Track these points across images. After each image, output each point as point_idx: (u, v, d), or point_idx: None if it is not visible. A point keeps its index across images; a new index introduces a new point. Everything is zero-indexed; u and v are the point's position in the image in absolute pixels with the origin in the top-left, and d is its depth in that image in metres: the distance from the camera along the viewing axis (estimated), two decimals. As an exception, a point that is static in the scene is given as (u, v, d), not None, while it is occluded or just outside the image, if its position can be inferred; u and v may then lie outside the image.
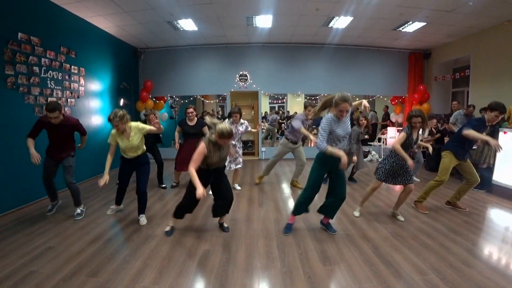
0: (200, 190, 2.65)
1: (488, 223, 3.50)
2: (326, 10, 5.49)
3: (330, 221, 3.25)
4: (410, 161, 3.20)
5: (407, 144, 3.34)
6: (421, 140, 3.78)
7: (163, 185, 5.16)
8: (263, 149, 8.45)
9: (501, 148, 3.33)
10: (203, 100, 10.50)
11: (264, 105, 11.99)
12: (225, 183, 3.10)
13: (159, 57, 8.10)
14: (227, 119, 4.74)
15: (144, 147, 3.52)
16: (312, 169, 3.00)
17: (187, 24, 6.20)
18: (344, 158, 2.66)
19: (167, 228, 3.22)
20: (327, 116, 2.77)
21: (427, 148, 3.85)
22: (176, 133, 5.03)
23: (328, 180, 3.08)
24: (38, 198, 4.34)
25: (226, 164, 4.41)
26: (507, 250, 2.79)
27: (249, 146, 8.90)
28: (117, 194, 3.78)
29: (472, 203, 4.14)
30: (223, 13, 5.67)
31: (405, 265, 2.45)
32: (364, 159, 7.90)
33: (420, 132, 3.43)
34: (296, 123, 4.54)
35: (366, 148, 8.14)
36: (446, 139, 6.65)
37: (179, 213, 3.16)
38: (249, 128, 4.82)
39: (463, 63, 7.38)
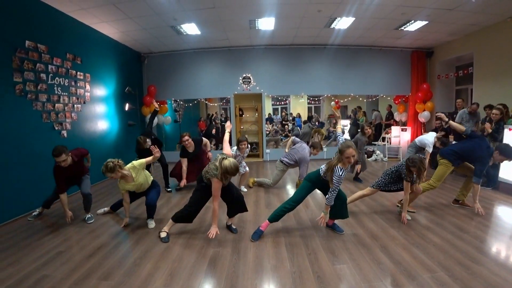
0: (215, 229, 2.98)
1: (495, 220, 3.50)
2: (328, 11, 5.52)
3: (336, 221, 3.27)
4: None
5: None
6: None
7: (169, 189, 5.20)
8: (268, 151, 8.47)
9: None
10: (206, 103, 10.57)
11: (267, 107, 12.03)
12: (232, 186, 3.20)
13: (162, 62, 8.17)
14: (234, 147, 4.71)
15: (151, 178, 3.63)
16: (301, 187, 3.12)
17: (190, 28, 6.26)
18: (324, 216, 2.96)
19: (163, 235, 3.15)
20: (339, 171, 2.72)
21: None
22: (184, 167, 4.86)
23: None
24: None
25: None
26: (516, 247, 2.79)
27: (253, 148, 8.93)
28: (117, 202, 3.97)
29: (479, 201, 4.12)
30: (225, 17, 5.72)
31: (414, 263, 2.47)
32: (369, 159, 7.93)
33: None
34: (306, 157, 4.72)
35: (370, 148, 8.14)
36: (451, 137, 6.64)
37: (178, 220, 3.21)
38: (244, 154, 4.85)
39: (466, 61, 7.36)
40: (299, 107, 12.24)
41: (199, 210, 3.17)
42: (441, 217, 3.53)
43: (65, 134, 4.91)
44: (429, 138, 4.91)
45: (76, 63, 5.26)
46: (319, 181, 3.04)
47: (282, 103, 13.00)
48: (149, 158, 3.49)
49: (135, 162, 3.43)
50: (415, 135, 8.41)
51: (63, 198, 3.56)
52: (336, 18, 5.89)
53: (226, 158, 2.84)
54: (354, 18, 5.86)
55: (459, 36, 6.95)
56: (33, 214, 3.95)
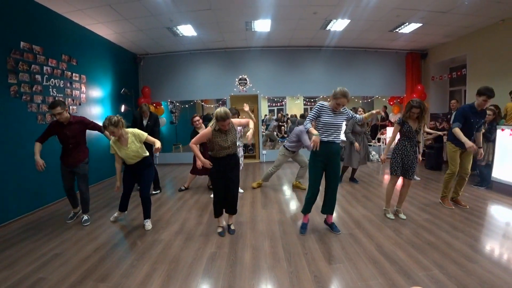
0: (201, 160, 3.00)
1: (489, 219, 3.55)
2: (324, 13, 5.57)
3: (334, 220, 3.31)
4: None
5: (407, 133, 3.39)
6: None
7: (155, 191, 5.08)
8: (264, 152, 8.49)
9: (477, 150, 3.62)
10: (202, 105, 10.56)
11: (264, 108, 12.06)
12: (235, 179, 3.14)
13: (158, 63, 8.17)
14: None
15: (147, 152, 3.47)
16: (309, 167, 3.16)
17: (187, 30, 6.27)
18: (316, 138, 2.85)
19: (219, 230, 3.27)
20: (321, 102, 3.03)
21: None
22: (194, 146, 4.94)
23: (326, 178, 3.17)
24: (43, 205, 4.38)
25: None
26: (509, 245, 2.83)
27: (250, 149, 8.94)
28: (120, 200, 3.68)
29: (472, 200, 4.19)
30: (222, 18, 5.74)
31: (409, 262, 2.50)
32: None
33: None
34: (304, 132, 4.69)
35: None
36: (445, 138, 6.72)
37: (217, 211, 3.25)
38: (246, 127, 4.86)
39: (459, 62, 7.47)
40: (295, 108, 12.28)
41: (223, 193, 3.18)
42: (436, 216, 3.58)
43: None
44: None
45: (72, 64, 5.24)
46: (319, 154, 2.99)
47: (279, 104, 13.05)
48: (152, 138, 3.37)
49: (137, 130, 3.34)
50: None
51: (37, 145, 3.39)
52: (331, 20, 5.94)
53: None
54: (349, 20, 5.92)
55: (453, 38, 7.05)
56: (69, 216, 3.84)
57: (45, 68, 4.58)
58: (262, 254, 2.75)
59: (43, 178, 3.77)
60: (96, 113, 6.07)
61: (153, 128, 5.00)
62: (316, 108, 3.03)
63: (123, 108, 7.01)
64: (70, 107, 5.18)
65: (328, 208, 3.23)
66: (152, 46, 7.40)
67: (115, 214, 3.80)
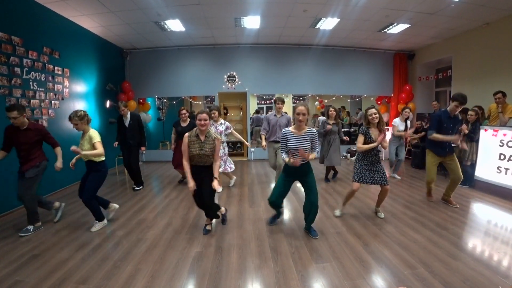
0: (190, 183, 2.93)
1: (472, 217, 3.63)
2: (314, 11, 5.55)
3: (321, 219, 3.33)
4: (386, 144, 3.33)
5: (370, 143, 3.34)
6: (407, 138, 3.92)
7: (138, 188, 5.12)
8: (252, 149, 8.45)
9: (462, 142, 3.79)
10: (191, 101, 10.42)
11: (253, 106, 11.99)
12: (208, 190, 3.00)
13: (146, 58, 7.98)
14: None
15: (101, 158, 3.35)
16: (279, 178, 3.15)
17: (175, 25, 6.14)
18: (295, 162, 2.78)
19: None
20: (285, 129, 2.98)
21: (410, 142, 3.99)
22: (173, 135, 5.17)
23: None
24: (20, 205, 4.19)
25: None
26: (490, 242, 2.90)
27: (238, 147, 8.88)
28: (101, 200, 3.64)
29: (457, 198, 4.27)
30: (211, 14, 5.64)
31: (395, 260, 2.51)
32: (352, 158, 8.07)
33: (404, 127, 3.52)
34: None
35: (354, 148, 8.27)
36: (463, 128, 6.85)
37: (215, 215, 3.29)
38: (231, 130, 4.86)
39: (445, 64, 7.62)
40: (284, 106, 12.27)
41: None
42: (421, 215, 3.63)
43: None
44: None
45: (54, 57, 5.04)
46: (289, 169, 2.96)
47: (267, 102, 13.01)
48: (96, 148, 3.21)
49: (96, 134, 3.29)
50: (396, 135, 8.64)
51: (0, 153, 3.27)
52: (321, 19, 5.94)
53: None
54: (339, 19, 5.93)
55: (439, 39, 7.18)
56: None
57: (25, 60, 4.38)
58: (249, 254, 2.72)
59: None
60: (80, 108, 5.84)
61: (140, 126, 5.02)
62: (282, 136, 2.96)
63: (108, 103, 6.82)
64: (52, 102, 4.98)
65: (309, 222, 3.10)
66: (139, 41, 7.22)
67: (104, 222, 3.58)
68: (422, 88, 8.33)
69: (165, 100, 9.54)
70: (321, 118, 6.58)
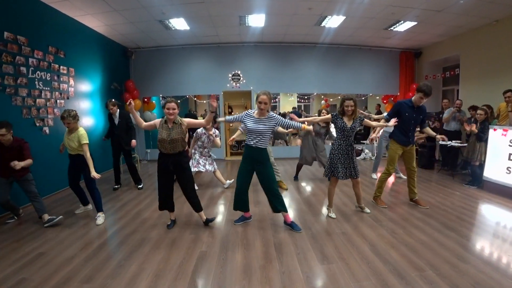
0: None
1: (480, 218, 3.56)
2: (319, 9, 5.49)
3: (293, 219, 3.38)
4: (310, 128, 3.34)
5: (342, 130, 3.37)
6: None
7: (140, 186, 5.24)
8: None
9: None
10: (195, 100, 10.42)
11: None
12: (185, 181, 3.20)
13: (150, 57, 7.99)
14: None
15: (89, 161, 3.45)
16: (239, 168, 3.31)
17: (179, 24, 6.13)
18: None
19: (168, 222, 3.43)
20: (247, 111, 3.24)
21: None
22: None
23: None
24: (27, 203, 4.21)
25: (199, 165, 4.75)
26: (499, 244, 2.84)
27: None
28: (74, 193, 3.85)
29: (464, 199, 4.21)
30: (215, 12, 5.62)
31: (402, 262, 2.47)
32: (357, 157, 8.00)
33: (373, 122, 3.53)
34: None
35: (359, 147, 8.21)
36: (438, 137, 6.76)
37: (160, 205, 3.33)
38: (217, 132, 4.85)
39: (453, 62, 7.50)
40: (288, 105, 12.21)
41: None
42: (429, 216, 3.57)
43: (47, 131, 4.72)
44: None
45: (59, 56, 5.06)
46: (247, 155, 3.23)
47: (273, 101, 12.95)
48: (86, 150, 3.42)
49: (84, 134, 3.45)
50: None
51: None
52: (326, 17, 5.88)
53: None
54: (344, 17, 5.86)
55: (446, 37, 7.07)
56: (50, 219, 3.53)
57: (30, 60, 4.40)
58: (254, 254, 2.69)
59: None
60: (85, 107, 5.91)
61: (128, 125, 5.06)
62: (241, 115, 3.26)
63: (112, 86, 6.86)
64: (58, 101, 5.01)
65: (273, 207, 3.25)
66: (144, 40, 7.23)
67: (80, 207, 3.90)
68: (429, 87, 8.21)
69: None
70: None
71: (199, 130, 4.64)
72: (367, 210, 3.69)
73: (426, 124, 3.90)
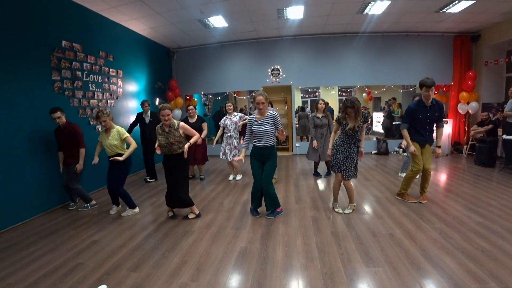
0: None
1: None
2: (361, -5, 5.17)
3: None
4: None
5: (345, 131, 3.33)
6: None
7: (151, 180, 5.59)
8: (298, 144, 8.30)
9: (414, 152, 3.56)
10: (235, 97, 10.55)
11: (297, 99, 11.73)
12: (176, 177, 3.40)
13: (191, 56, 8.25)
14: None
15: (123, 151, 3.70)
16: (252, 164, 3.48)
17: (218, 21, 6.21)
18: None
19: (169, 214, 3.68)
20: (250, 116, 3.44)
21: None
22: None
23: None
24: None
25: (222, 155, 5.19)
26: None
27: (283, 142, 8.81)
28: (110, 195, 3.95)
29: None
30: (253, 7, 5.58)
31: (459, 271, 2.22)
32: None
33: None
34: None
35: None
36: (500, 130, 6.02)
37: (166, 201, 3.61)
38: (244, 118, 5.11)
39: (519, 44, 6.59)
40: (329, 99, 11.78)
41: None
42: (489, 219, 3.18)
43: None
44: None
45: (109, 60, 5.44)
46: (253, 152, 3.46)
47: (312, 95, 12.62)
48: (131, 140, 3.70)
49: (122, 129, 3.71)
50: (456, 128, 7.76)
51: (59, 155, 3.98)
52: (369, 3, 5.51)
53: None
54: (389, 1, 5.44)
55: (511, 16, 6.20)
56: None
57: (84, 64, 4.79)
58: (295, 252, 2.63)
59: (88, 168, 4.04)
60: (132, 106, 6.30)
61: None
62: (248, 122, 3.44)
63: (157, 101, 7.20)
64: (108, 101, 5.41)
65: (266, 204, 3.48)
66: (184, 39, 7.47)
67: (113, 207, 3.97)
68: (489, 74, 7.31)
69: (210, 96, 9.79)
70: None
71: (223, 118, 5.16)
72: (347, 210, 3.54)
73: (443, 123, 3.69)
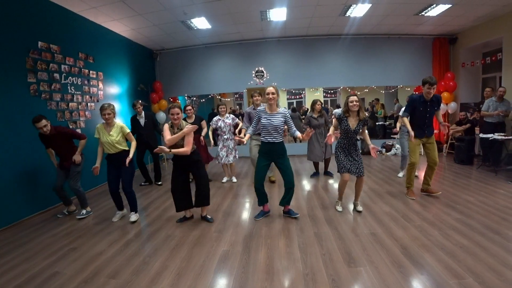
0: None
1: (531, 219, 3.19)
2: (343, -2, 5.24)
3: (290, 207, 3.48)
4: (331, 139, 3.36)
5: (345, 132, 3.38)
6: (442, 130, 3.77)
7: (159, 183, 5.50)
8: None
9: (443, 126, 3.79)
10: (220, 98, 10.51)
11: (282, 101, 11.80)
12: (199, 176, 3.32)
13: (175, 58, 8.15)
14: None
15: (125, 147, 3.59)
16: (258, 161, 3.38)
17: (201, 23, 6.16)
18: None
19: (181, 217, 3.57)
20: (260, 107, 3.32)
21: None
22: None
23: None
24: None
25: (221, 158, 5.13)
26: (555, 249, 2.51)
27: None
28: (113, 200, 3.71)
29: (509, 198, 3.81)
30: (235, 9, 5.57)
31: (439, 268, 2.26)
32: (388, 153, 7.61)
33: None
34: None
35: (390, 142, 7.81)
36: (477, 129, 6.22)
37: (176, 206, 3.45)
38: (236, 120, 5.14)
39: (493, 46, 6.84)
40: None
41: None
42: (468, 216, 3.26)
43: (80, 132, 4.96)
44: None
45: (89, 62, 5.29)
46: (262, 150, 3.34)
47: (297, 97, 12.72)
48: (132, 137, 3.62)
49: (124, 125, 3.58)
50: (437, 127, 7.96)
51: (48, 152, 3.85)
52: (351, 5, 5.60)
53: None
54: (370, 5, 5.54)
55: (486, 19, 6.45)
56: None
57: (62, 66, 4.65)
58: (277, 254, 2.62)
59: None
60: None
61: (155, 124, 5.43)
62: (257, 113, 3.30)
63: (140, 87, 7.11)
64: (88, 104, 5.26)
65: (285, 200, 3.40)
66: (168, 41, 7.38)
67: (117, 214, 3.77)
68: (467, 75, 7.57)
69: (194, 98, 9.70)
70: (337, 111, 6.34)
71: (214, 119, 5.11)
72: (360, 208, 3.58)
73: (439, 111, 3.94)
